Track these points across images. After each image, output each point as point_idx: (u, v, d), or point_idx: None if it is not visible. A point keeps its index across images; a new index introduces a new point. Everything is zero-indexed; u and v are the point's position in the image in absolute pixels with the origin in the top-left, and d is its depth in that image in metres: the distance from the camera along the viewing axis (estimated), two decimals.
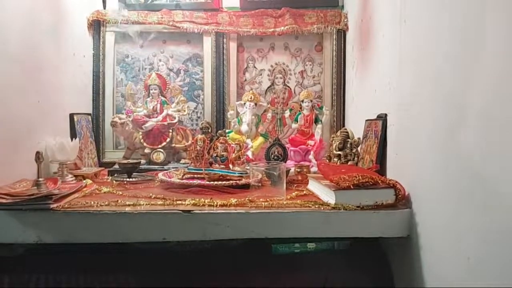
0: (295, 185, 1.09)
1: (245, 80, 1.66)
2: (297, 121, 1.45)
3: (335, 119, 1.59)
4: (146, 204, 0.86)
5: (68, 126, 1.36)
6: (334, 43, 1.60)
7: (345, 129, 1.22)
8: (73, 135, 1.32)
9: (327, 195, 0.87)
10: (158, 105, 1.47)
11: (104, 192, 0.99)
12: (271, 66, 1.65)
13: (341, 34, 1.59)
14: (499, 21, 0.53)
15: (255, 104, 1.42)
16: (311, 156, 1.38)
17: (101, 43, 1.61)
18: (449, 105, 0.68)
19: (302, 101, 1.45)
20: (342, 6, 1.62)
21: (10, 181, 0.96)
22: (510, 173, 0.50)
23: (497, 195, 0.53)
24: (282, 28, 1.58)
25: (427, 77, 0.77)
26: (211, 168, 1.14)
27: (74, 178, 1.12)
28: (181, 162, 1.45)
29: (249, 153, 1.36)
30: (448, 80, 0.68)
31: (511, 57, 0.50)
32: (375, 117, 1.08)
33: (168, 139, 1.44)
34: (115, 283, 0.87)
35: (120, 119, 1.43)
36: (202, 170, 1.11)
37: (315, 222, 0.82)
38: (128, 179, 1.15)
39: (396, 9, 0.94)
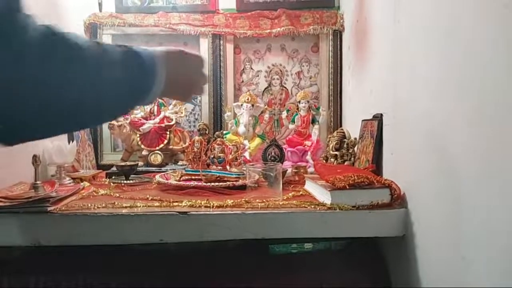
0: (292, 186, 1.10)
1: (242, 81, 1.67)
2: (294, 122, 1.45)
3: (332, 119, 1.60)
4: (143, 206, 0.86)
5: None
6: (330, 43, 1.60)
7: (342, 129, 1.23)
8: (70, 137, 1.32)
9: (323, 195, 0.88)
10: (156, 107, 1.48)
11: (102, 194, 1.00)
12: (268, 67, 1.66)
13: (337, 35, 1.60)
14: (496, 21, 0.54)
15: (252, 105, 1.43)
16: (308, 157, 1.38)
17: None
18: (444, 105, 0.68)
19: (299, 102, 1.46)
20: (338, 7, 1.63)
21: (7, 184, 0.97)
22: (506, 173, 0.51)
23: (493, 194, 0.54)
24: (279, 29, 1.58)
25: (422, 77, 0.78)
26: (209, 170, 1.14)
27: (71, 180, 1.13)
28: (178, 163, 1.45)
29: (246, 154, 1.37)
30: (443, 80, 0.69)
31: (508, 58, 0.50)
32: (371, 117, 1.09)
33: (165, 141, 1.45)
34: (114, 284, 0.88)
35: (117, 121, 1.43)
36: (199, 171, 1.12)
37: (311, 222, 0.82)
38: (125, 181, 1.16)
39: (391, 9, 0.95)
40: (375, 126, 1.03)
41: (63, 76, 0.51)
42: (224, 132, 1.46)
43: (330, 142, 1.22)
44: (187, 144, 1.46)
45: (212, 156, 1.16)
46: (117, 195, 0.98)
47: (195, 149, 1.16)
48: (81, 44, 0.53)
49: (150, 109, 1.47)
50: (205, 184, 1.04)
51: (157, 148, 1.44)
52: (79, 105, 0.54)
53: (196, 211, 0.83)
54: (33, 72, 0.48)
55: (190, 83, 0.75)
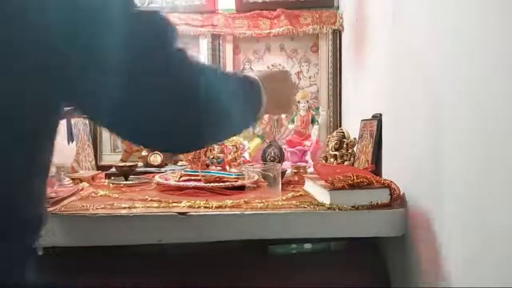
0: (291, 186, 1.10)
1: None
2: (294, 122, 1.45)
3: (331, 119, 1.60)
4: (142, 207, 0.86)
5: (65, 129, 1.36)
6: (330, 43, 1.60)
7: (341, 129, 1.23)
8: (70, 138, 1.32)
9: (323, 196, 0.88)
10: None
11: (101, 195, 0.99)
12: (267, 67, 1.65)
13: (337, 35, 1.60)
14: (497, 21, 0.54)
15: None
16: (307, 157, 1.38)
17: None
18: (442, 105, 0.68)
19: (299, 102, 1.46)
20: (338, 7, 1.63)
21: None
22: (507, 173, 0.51)
23: (491, 194, 0.54)
24: (278, 29, 1.58)
25: (421, 77, 0.77)
26: (208, 170, 1.14)
27: (71, 181, 1.13)
28: (178, 164, 1.45)
29: (246, 155, 1.36)
30: (442, 80, 0.69)
31: (509, 59, 0.50)
32: (370, 117, 1.09)
33: None
34: (113, 285, 0.88)
35: None
36: (198, 172, 1.12)
37: (310, 223, 0.82)
38: (125, 182, 1.16)
39: (390, 9, 0.95)
40: (375, 126, 1.03)
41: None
42: None
43: (329, 142, 1.22)
44: None
45: (212, 157, 1.16)
46: (116, 195, 0.98)
47: None
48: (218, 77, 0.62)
49: None
50: (204, 184, 1.04)
51: None
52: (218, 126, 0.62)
53: (195, 212, 0.83)
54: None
55: (283, 98, 0.82)
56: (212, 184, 1.04)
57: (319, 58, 1.63)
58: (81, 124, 1.45)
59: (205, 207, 0.85)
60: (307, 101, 1.45)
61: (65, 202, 0.88)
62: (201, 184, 1.05)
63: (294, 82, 0.90)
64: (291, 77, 0.84)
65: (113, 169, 1.29)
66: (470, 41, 0.59)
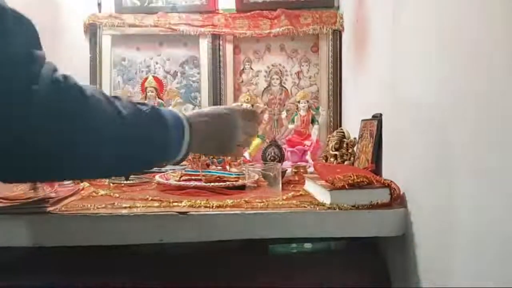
0: (291, 186, 1.10)
1: (242, 81, 1.67)
2: (294, 122, 1.46)
3: (331, 119, 1.60)
4: (142, 206, 0.86)
5: None
6: (330, 43, 1.60)
7: (341, 129, 1.23)
8: None
9: (323, 195, 0.88)
10: None
11: (101, 195, 0.99)
12: (268, 67, 1.66)
13: (337, 35, 1.60)
14: (497, 20, 0.54)
15: (252, 106, 1.43)
16: (308, 157, 1.38)
17: (98, 46, 1.61)
18: (444, 105, 0.68)
19: (299, 101, 1.46)
20: (338, 7, 1.63)
21: (7, 185, 0.97)
22: (506, 173, 0.51)
23: (491, 194, 0.54)
24: (278, 29, 1.58)
25: (422, 77, 0.78)
26: (208, 170, 1.14)
27: (71, 181, 1.13)
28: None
29: (246, 154, 1.37)
30: (443, 80, 0.69)
31: (509, 59, 0.50)
32: (370, 117, 1.09)
33: None
34: (114, 285, 0.88)
35: None
36: (199, 171, 1.12)
37: (311, 222, 0.82)
38: (125, 182, 1.16)
39: (389, 9, 0.95)
40: (375, 126, 1.03)
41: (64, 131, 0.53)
42: None
43: (329, 142, 1.22)
44: None
45: (212, 156, 1.16)
46: (117, 195, 0.98)
47: None
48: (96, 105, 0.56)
49: None
50: (204, 184, 1.04)
51: None
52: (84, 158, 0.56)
53: (196, 211, 0.83)
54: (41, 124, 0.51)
55: (232, 140, 0.77)
56: (212, 183, 1.05)
57: (319, 58, 1.64)
58: None
59: (206, 207, 0.85)
60: (307, 101, 1.45)
61: (66, 202, 0.88)
62: (202, 183, 1.05)
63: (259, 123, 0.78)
64: (254, 117, 0.82)
65: None
66: (471, 41, 0.59)
